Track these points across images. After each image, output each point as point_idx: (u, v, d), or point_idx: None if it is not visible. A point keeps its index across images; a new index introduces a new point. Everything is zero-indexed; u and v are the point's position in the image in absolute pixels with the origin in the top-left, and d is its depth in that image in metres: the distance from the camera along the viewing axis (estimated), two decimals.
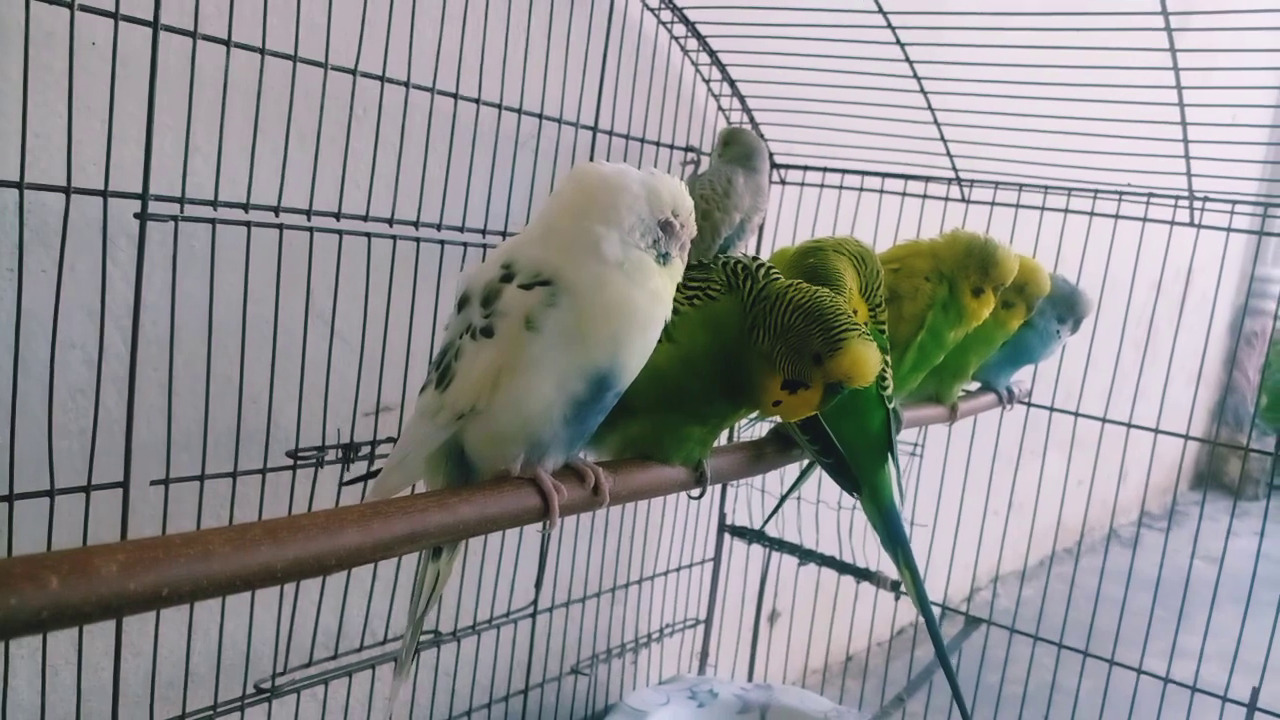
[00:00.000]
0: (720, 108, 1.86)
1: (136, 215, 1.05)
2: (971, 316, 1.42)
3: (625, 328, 0.85)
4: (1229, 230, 1.64)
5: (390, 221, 1.29)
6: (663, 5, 1.66)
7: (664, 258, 0.87)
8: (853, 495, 1.24)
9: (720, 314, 1.00)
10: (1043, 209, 1.77)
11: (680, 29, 1.71)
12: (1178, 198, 1.65)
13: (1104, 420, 1.88)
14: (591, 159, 1.55)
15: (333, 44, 1.18)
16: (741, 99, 1.84)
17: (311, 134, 1.20)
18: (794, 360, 0.96)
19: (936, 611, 1.36)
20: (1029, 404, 1.92)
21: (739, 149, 1.59)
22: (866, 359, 0.95)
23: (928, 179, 1.83)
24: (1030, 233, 1.77)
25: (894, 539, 1.31)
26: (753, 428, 1.56)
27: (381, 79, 1.25)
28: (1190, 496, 4.86)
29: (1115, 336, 1.96)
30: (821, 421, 1.17)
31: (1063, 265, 1.81)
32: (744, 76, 1.80)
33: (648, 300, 0.86)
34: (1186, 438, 1.90)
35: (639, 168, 0.89)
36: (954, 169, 1.79)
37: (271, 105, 1.16)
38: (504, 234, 1.47)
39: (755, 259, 1.06)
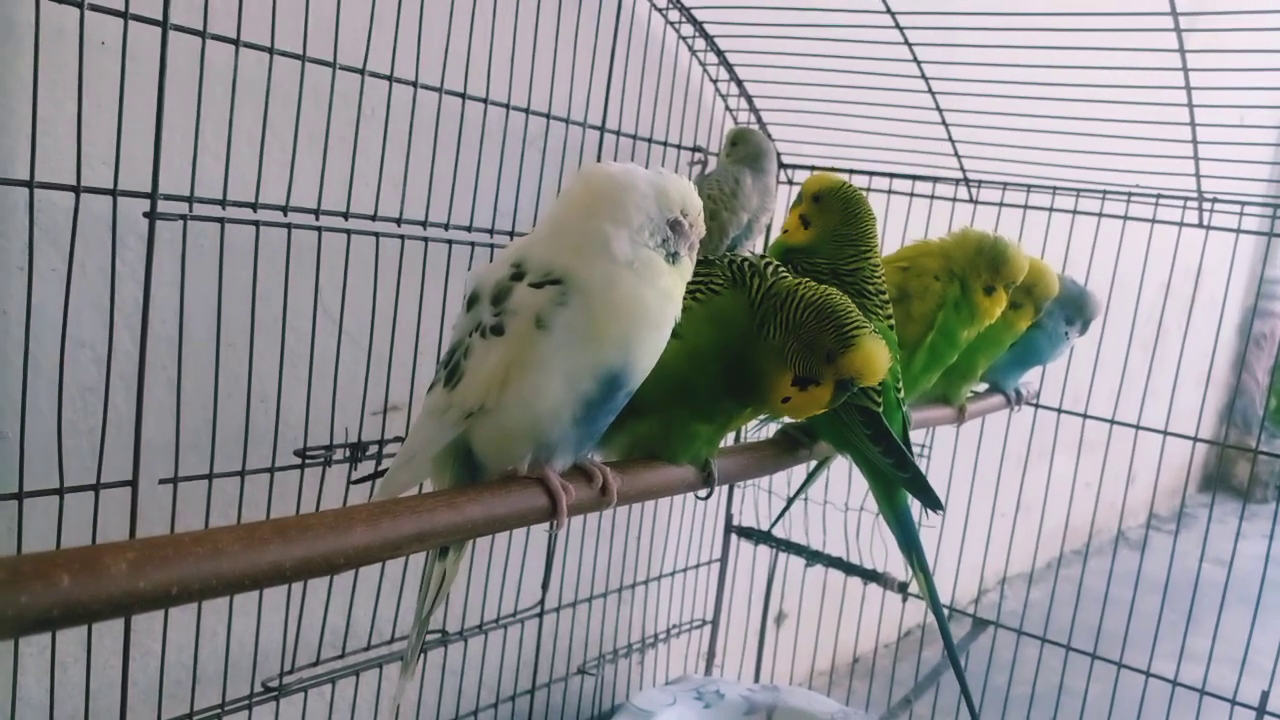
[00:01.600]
0: (728, 108, 1.86)
1: (146, 214, 1.05)
2: (984, 315, 1.42)
3: (636, 327, 0.85)
4: (1238, 231, 1.63)
5: (398, 221, 1.29)
6: (670, 5, 1.66)
7: (673, 257, 0.87)
8: (935, 510, 1.22)
9: (725, 309, 1.00)
10: (1051, 210, 1.76)
11: (688, 29, 1.71)
12: (1186, 199, 1.64)
13: (1112, 422, 1.88)
14: (599, 159, 1.56)
15: (341, 43, 1.18)
16: (749, 99, 1.84)
17: (320, 133, 1.20)
18: (805, 357, 0.96)
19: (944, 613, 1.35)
20: (1037, 405, 1.92)
21: (746, 149, 1.58)
22: (878, 357, 0.96)
23: (935, 179, 1.82)
24: (1038, 234, 1.77)
25: (909, 541, 1.31)
26: (761, 429, 1.56)
27: (390, 78, 1.25)
28: (1199, 499, 4.85)
29: (1123, 338, 1.96)
30: (893, 436, 1.17)
31: (1071, 266, 1.80)
32: (751, 76, 1.80)
33: (658, 299, 0.86)
34: (1195, 440, 1.90)
35: (646, 167, 0.89)
36: (962, 169, 1.79)
37: (280, 104, 1.16)
38: (511, 234, 1.47)
39: (762, 256, 1.06)
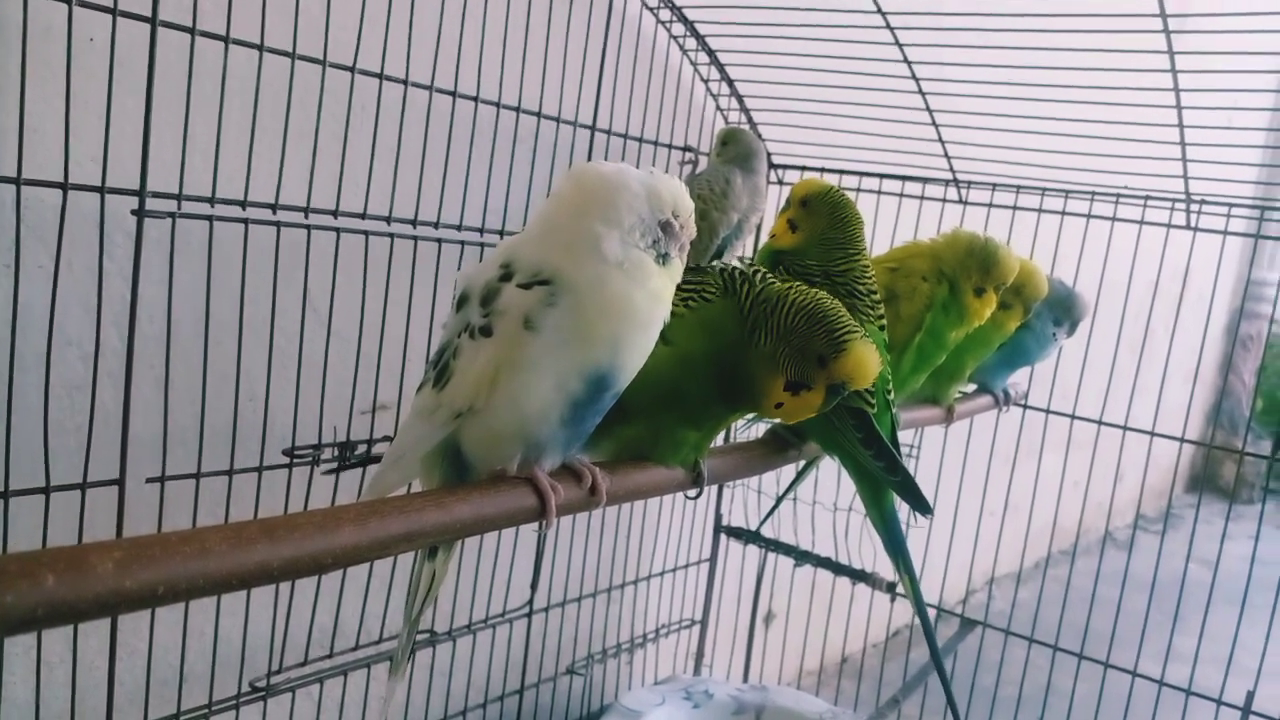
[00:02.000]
0: (718, 107, 1.86)
1: (134, 212, 1.04)
2: (973, 316, 1.42)
3: (625, 327, 0.85)
4: (1225, 233, 1.64)
5: (388, 219, 1.29)
6: (661, 4, 1.66)
7: (664, 258, 0.87)
8: (925, 515, 1.22)
9: (716, 317, 1.00)
10: (1040, 211, 1.77)
11: (679, 28, 1.71)
12: (1175, 200, 1.65)
13: (1100, 422, 1.88)
14: (589, 158, 1.55)
15: (331, 41, 1.17)
16: (739, 99, 1.84)
17: (309, 131, 1.20)
18: (797, 361, 0.96)
19: (931, 614, 1.36)
20: (1025, 406, 1.93)
21: (736, 149, 1.59)
22: (869, 361, 0.97)
23: (925, 180, 1.83)
24: (1027, 235, 1.77)
25: (895, 544, 1.31)
26: (750, 429, 1.56)
27: (380, 76, 1.24)
28: (1185, 499, 4.87)
29: (1111, 339, 1.97)
30: (883, 438, 1.17)
31: (1059, 267, 1.81)
32: (742, 76, 1.80)
33: (648, 300, 0.86)
34: (1182, 440, 1.91)
35: (638, 167, 0.89)
36: (951, 170, 1.79)
37: (269, 102, 1.16)
38: (502, 233, 1.47)
39: (751, 264, 1.06)
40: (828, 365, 0.96)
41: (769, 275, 1.04)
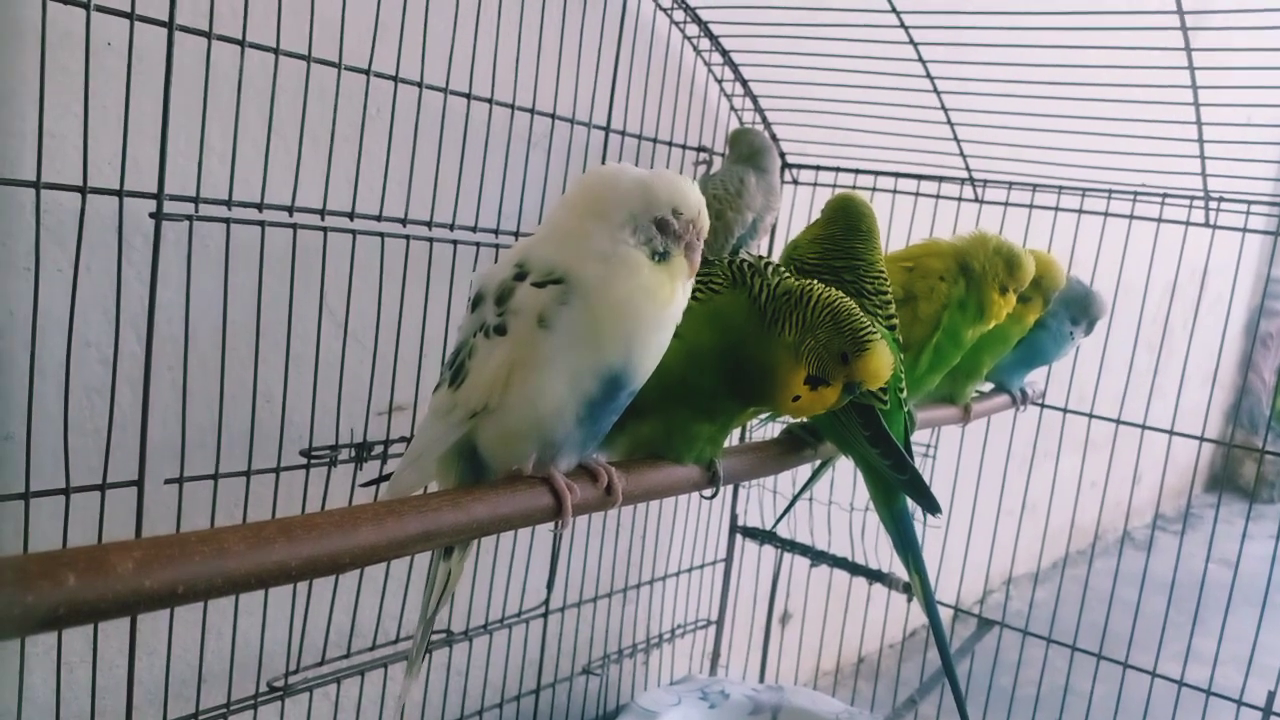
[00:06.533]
0: (733, 108, 1.85)
1: (151, 215, 1.05)
2: (993, 315, 1.42)
3: (635, 326, 0.85)
4: (1244, 231, 1.63)
5: (403, 221, 1.30)
6: (675, 5, 1.66)
7: (660, 255, 0.86)
8: (933, 514, 1.22)
9: (725, 309, 1.00)
10: (1056, 209, 1.76)
11: (693, 29, 1.71)
12: (1193, 198, 1.64)
13: (1118, 422, 1.87)
14: (604, 159, 1.56)
15: (346, 44, 1.18)
16: (754, 99, 1.84)
17: (325, 134, 1.20)
18: (821, 356, 0.97)
19: (949, 614, 1.35)
20: (1042, 405, 1.92)
21: (749, 149, 1.59)
22: (887, 364, 0.98)
23: (941, 179, 1.82)
24: (1044, 233, 1.76)
25: (906, 543, 1.31)
26: (764, 427, 1.56)
27: (395, 79, 1.25)
28: (1205, 499, 4.84)
29: (1129, 338, 1.95)
30: (892, 437, 1.17)
31: (1076, 266, 1.80)
32: (756, 76, 1.80)
33: (644, 296, 0.85)
34: (1201, 439, 1.89)
35: (651, 167, 0.89)
36: (967, 169, 1.78)
37: (285, 105, 1.16)
38: (516, 234, 1.47)
39: (761, 257, 1.06)
40: (850, 363, 0.96)
41: (780, 268, 1.04)
